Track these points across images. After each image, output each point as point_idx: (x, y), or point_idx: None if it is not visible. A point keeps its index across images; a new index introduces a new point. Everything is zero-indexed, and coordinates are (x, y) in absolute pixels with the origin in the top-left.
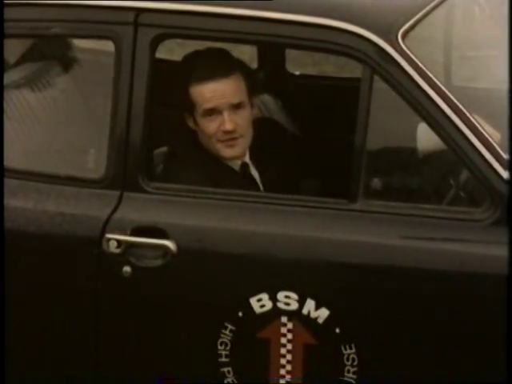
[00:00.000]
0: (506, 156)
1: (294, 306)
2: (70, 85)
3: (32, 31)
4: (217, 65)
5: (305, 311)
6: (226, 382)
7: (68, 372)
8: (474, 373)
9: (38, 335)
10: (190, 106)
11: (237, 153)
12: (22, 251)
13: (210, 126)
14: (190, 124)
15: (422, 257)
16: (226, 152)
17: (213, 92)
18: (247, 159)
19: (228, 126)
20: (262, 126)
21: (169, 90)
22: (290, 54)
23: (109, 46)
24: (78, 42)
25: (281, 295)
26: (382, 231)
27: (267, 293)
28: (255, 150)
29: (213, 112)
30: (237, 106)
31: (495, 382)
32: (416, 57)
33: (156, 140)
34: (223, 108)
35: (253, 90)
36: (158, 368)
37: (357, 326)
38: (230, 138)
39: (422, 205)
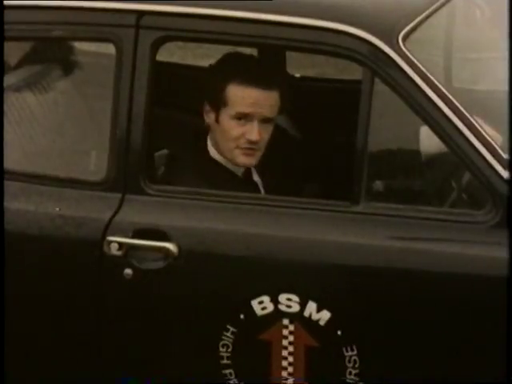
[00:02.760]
0: (506, 157)
1: (296, 308)
2: (70, 87)
3: (33, 34)
4: (265, 74)
5: (306, 313)
6: None
7: (69, 374)
8: (475, 374)
9: (38, 337)
10: (220, 102)
11: (251, 163)
12: (23, 253)
13: (236, 129)
14: (208, 119)
15: (423, 259)
16: (241, 159)
17: (254, 99)
18: None
19: (255, 137)
20: None
21: (170, 93)
22: (291, 56)
23: (110, 48)
24: (79, 45)
25: (282, 297)
26: (383, 233)
27: (269, 295)
28: None
29: (244, 117)
30: (267, 120)
31: (495, 382)
32: (417, 59)
33: (157, 142)
34: (256, 117)
35: (281, 109)
36: (159, 370)
37: (358, 329)
38: (251, 147)
39: (423, 207)
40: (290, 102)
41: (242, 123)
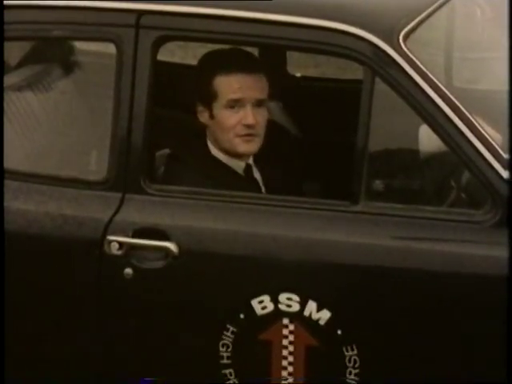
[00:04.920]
0: (506, 156)
1: (296, 307)
2: (71, 87)
3: (33, 33)
4: (246, 59)
5: (306, 313)
6: (227, 383)
7: (69, 374)
8: (475, 373)
9: (38, 337)
10: (210, 96)
11: (252, 149)
12: (24, 253)
13: (231, 118)
14: (203, 118)
15: (423, 258)
16: (243, 147)
17: (241, 83)
18: (251, 161)
19: (250, 120)
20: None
21: (170, 92)
22: (291, 55)
23: (110, 48)
24: (80, 45)
25: (282, 297)
26: (383, 233)
27: (269, 295)
28: (258, 151)
29: (236, 104)
30: (259, 103)
31: (495, 382)
32: (417, 59)
33: (158, 142)
34: (247, 101)
35: (270, 93)
36: (159, 370)
37: (358, 328)
38: (249, 133)
39: (423, 206)
40: (291, 101)
41: (235, 111)
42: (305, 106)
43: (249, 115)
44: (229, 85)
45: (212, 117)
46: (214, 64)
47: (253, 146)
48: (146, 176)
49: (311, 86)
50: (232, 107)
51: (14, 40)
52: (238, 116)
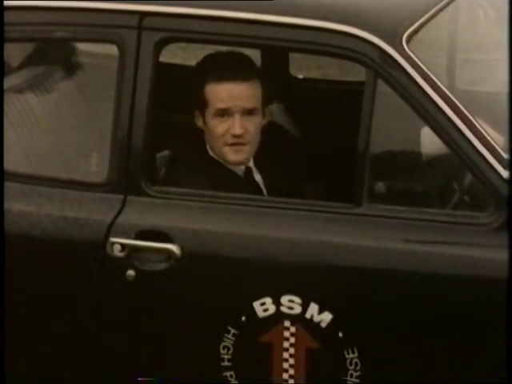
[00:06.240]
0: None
1: (297, 310)
2: (73, 88)
3: (35, 35)
4: (237, 67)
5: (308, 315)
6: None
7: (70, 375)
8: (476, 375)
9: (40, 338)
10: (202, 103)
11: (242, 158)
12: (26, 255)
13: (220, 127)
14: (199, 123)
15: (425, 261)
16: (231, 156)
17: (228, 93)
18: (251, 164)
19: (237, 130)
20: (266, 130)
21: (172, 94)
22: (294, 57)
23: (112, 49)
24: (82, 46)
25: (284, 299)
26: (386, 235)
27: (270, 297)
28: (259, 154)
29: (224, 113)
30: (249, 112)
31: (496, 383)
32: (420, 60)
33: (159, 144)
34: (235, 111)
35: (267, 99)
36: (160, 371)
37: (360, 331)
38: (238, 142)
39: (426, 209)
40: (293, 102)
41: (224, 119)
42: (307, 107)
43: (236, 125)
44: (217, 94)
45: (205, 123)
46: (206, 71)
47: (242, 156)
48: (148, 178)
49: (313, 88)
50: (221, 115)
51: (15, 41)
52: (226, 125)
